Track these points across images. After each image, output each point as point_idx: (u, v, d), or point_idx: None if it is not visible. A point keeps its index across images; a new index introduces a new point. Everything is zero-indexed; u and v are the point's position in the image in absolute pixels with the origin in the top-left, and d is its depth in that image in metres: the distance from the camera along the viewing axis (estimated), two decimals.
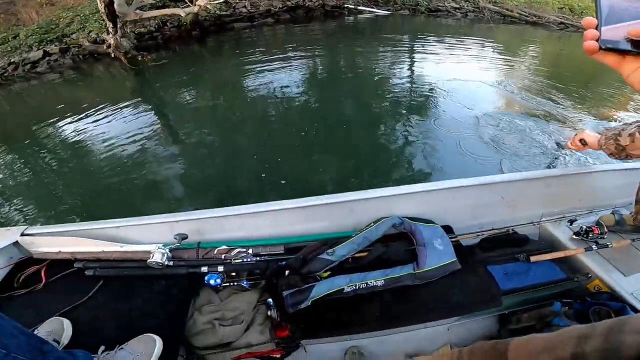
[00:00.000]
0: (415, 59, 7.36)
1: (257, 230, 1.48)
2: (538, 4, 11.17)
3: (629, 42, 0.42)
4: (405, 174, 3.59)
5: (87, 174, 3.82)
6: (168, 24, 8.65)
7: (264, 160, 3.71)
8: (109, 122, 4.85)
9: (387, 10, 10.85)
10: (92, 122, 4.87)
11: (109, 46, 7.13)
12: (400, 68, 6.72)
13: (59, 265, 1.36)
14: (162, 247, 1.29)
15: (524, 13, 10.69)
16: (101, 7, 6.47)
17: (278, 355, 1.21)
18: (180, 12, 7.67)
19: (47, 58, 7.35)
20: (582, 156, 3.51)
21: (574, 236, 1.50)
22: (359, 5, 10.79)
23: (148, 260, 1.26)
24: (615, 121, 4.73)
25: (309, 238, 1.48)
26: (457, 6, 11.11)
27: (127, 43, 7.24)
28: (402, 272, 1.33)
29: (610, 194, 1.67)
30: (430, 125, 4.40)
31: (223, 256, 1.34)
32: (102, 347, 1.03)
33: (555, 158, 3.65)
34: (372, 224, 1.46)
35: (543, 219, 1.64)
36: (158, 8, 8.17)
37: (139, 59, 7.15)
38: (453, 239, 1.47)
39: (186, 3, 7.73)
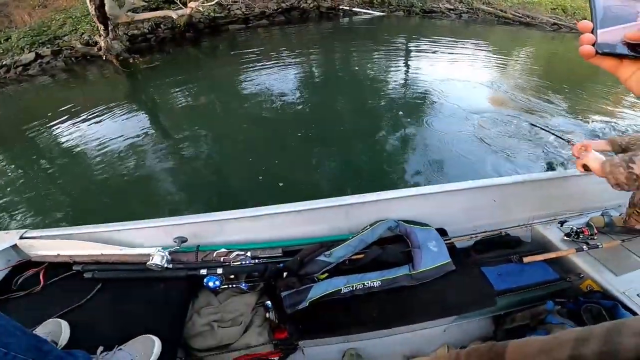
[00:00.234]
0: (410, 60, 7.41)
1: (256, 233, 1.50)
2: (531, 5, 11.29)
3: (626, 45, 0.40)
4: (400, 174, 3.61)
5: (78, 176, 3.79)
6: (162, 26, 8.62)
7: (260, 163, 3.71)
8: (100, 124, 4.83)
9: (382, 11, 10.91)
10: (83, 125, 4.84)
11: (100, 48, 7.08)
12: (395, 69, 6.75)
13: (58, 268, 1.36)
14: (162, 250, 1.30)
15: (517, 14, 10.81)
16: (92, 9, 6.43)
17: (276, 358, 1.22)
18: (172, 14, 7.65)
19: (39, 60, 7.30)
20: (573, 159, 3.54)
21: (565, 237, 1.54)
22: (354, 7, 10.84)
23: (147, 263, 1.27)
24: (610, 117, 4.76)
25: (307, 241, 1.50)
26: (452, 7, 11.20)
27: (118, 45, 7.19)
28: (399, 273, 1.36)
29: (599, 196, 1.70)
30: (425, 126, 4.43)
31: (222, 259, 1.35)
32: (101, 348, 1.03)
33: (549, 161, 3.69)
34: (368, 226, 1.48)
35: (535, 221, 1.68)
36: (151, 10, 8.14)
37: (131, 61, 7.11)
38: (447, 242, 1.50)
39: (178, 5, 7.70)
